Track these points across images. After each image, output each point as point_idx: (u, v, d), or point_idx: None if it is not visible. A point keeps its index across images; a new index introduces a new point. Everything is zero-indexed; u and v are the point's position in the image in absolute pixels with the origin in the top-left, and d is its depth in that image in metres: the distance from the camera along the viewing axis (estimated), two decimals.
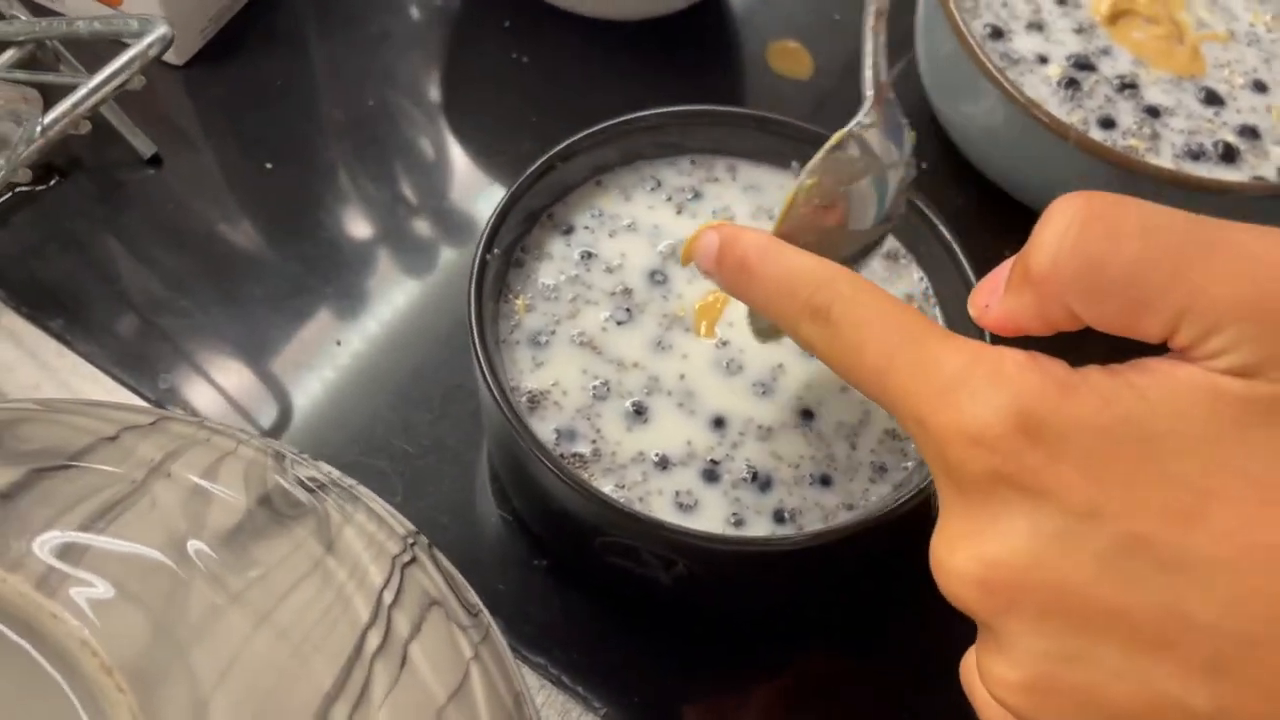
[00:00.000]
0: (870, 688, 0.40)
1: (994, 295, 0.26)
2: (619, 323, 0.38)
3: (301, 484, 0.27)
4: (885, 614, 0.41)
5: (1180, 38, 0.47)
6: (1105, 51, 0.46)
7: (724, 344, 0.38)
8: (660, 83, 0.52)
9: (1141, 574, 0.22)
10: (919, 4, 0.49)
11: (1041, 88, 0.45)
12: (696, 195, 0.41)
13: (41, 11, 0.50)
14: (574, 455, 0.36)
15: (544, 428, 0.36)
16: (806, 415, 0.37)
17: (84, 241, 0.46)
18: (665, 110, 0.40)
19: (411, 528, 0.29)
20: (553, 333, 0.38)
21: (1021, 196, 0.48)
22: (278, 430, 0.43)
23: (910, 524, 0.33)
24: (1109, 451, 0.23)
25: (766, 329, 0.36)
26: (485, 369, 0.35)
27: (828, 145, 0.34)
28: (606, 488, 0.35)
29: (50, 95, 0.42)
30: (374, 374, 0.44)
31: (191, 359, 0.44)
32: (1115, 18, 0.48)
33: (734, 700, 0.39)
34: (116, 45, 0.42)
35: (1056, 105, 0.45)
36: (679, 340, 0.38)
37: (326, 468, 0.29)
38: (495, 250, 0.37)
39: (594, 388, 0.37)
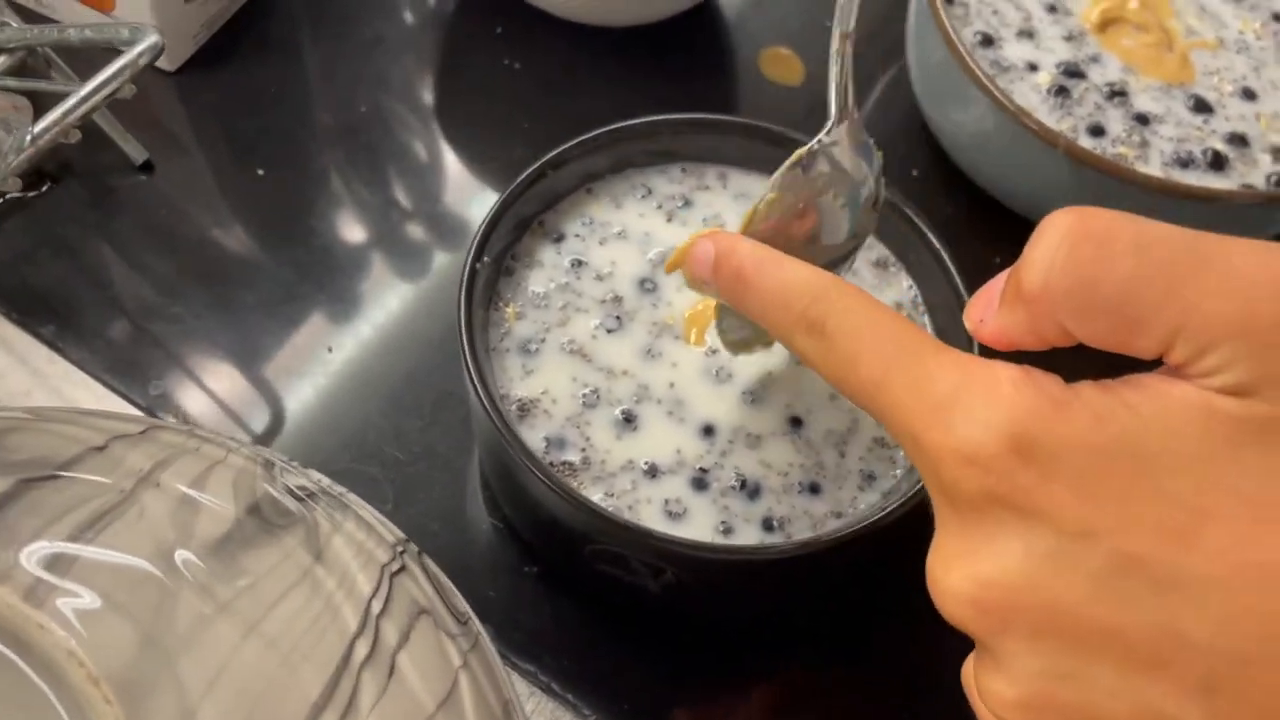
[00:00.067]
0: (858, 695, 0.40)
1: (989, 309, 0.26)
2: (609, 331, 0.38)
3: (291, 492, 0.27)
4: (873, 622, 0.41)
5: (1170, 45, 0.48)
6: (1095, 59, 0.47)
7: (713, 352, 0.38)
8: (652, 89, 0.52)
9: (1135, 593, 0.22)
10: (910, 12, 0.49)
11: (1031, 95, 0.45)
12: (687, 203, 0.41)
13: (33, 18, 0.50)
14: (563, 463, 0.36)
15: (534, 436, 0.36)
16: (795, 423, 0.37)
17: (75, 248, 0.46)
18: (656, 118, 0.40)
19: (401, 535, 0.29)
20: (543, 340, 0.38)
21: (1011, 204, 0.48)
22: (269, 436, 0.43)
23: (899, 532, 0.33)
24: (1102, 469, 0.23)
25: (737, 341, 0.36)
26: (475, 377, 0.35)
27: (789, 162, 0.34)
28: (596, 496, 0.35)
29: (41, 102, 0.42)
30: (365, 380, 0.44)
31: (183, 365, 0.44)
32: (1105, 25, 0.48)
33: (723, 708, 0.40)
34: (109, 51, 0.42)
35: (1046, 113, 0.45)
36: (669, 348, 0.38)
37: (316, 475, 0.29)
38: (485, 258, 0.37)
39: (584, 396, 0.37)
